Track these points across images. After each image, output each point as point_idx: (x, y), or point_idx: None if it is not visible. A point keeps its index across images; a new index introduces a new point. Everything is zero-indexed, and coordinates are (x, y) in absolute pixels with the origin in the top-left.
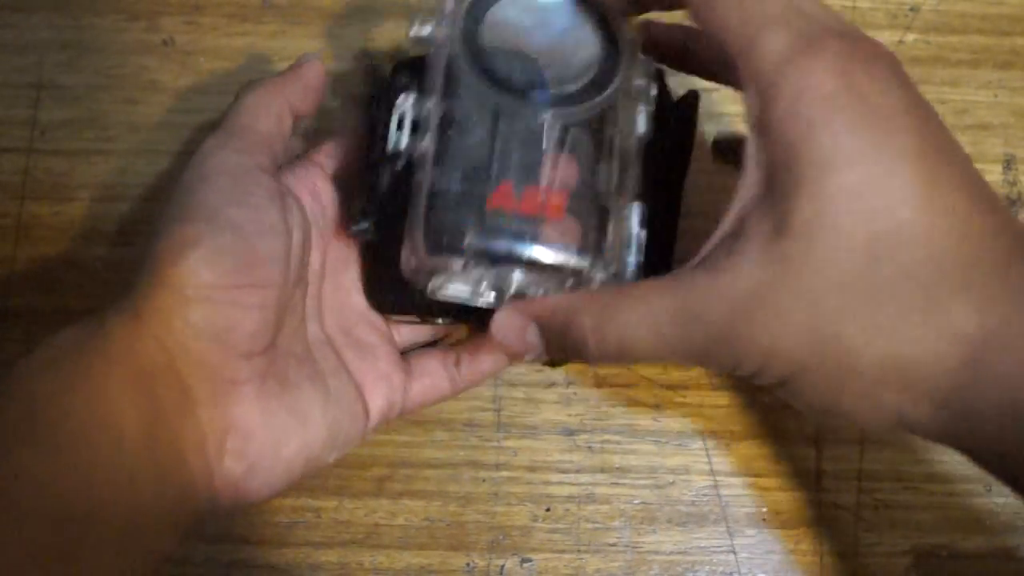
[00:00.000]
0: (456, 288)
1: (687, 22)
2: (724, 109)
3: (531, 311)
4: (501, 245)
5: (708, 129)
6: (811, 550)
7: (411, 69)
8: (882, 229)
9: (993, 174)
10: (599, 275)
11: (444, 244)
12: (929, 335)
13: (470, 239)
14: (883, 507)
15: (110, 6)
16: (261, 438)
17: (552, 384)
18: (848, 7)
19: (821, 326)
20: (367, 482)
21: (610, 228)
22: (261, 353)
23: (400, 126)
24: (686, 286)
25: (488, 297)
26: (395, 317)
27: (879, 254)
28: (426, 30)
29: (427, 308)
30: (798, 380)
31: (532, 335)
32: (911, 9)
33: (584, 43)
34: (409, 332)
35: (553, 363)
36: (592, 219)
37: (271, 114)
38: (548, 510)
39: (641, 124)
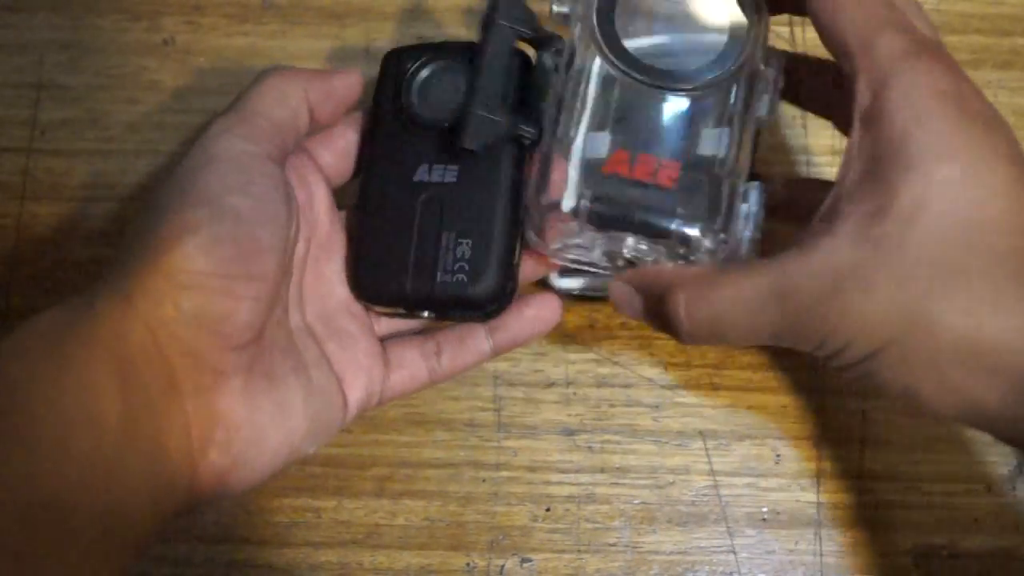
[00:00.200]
0: (574, 252)
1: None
2: None
3: (637, 280)
4: (610, 209)
5: None
6: (811, 550)
7: (405, 56)
8: (978, 218)
9: None
10: (708, 246)
11: (562, 206)
12: (1014, 320)
13: (585, 203)
14: (883, 507)
15: (111, 6)
16: (246, 431)
17: (552, 384)
18: None
19: (910, 303)
20: (367, 482)
21: (723, 202)
22: (249, 345)
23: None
24: (779, 266)
25: (605, 264)
26: (380, 309)
27: (973, 240)
28: (565, 7)
29: (415, 301)
30: (881, 357)
31: (637, 304)
32: None
33: (712, 21)
34: (389, 321)
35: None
36: (705, 191)
37: (288, 104)
38: (548, 510)
39: (762, 108)
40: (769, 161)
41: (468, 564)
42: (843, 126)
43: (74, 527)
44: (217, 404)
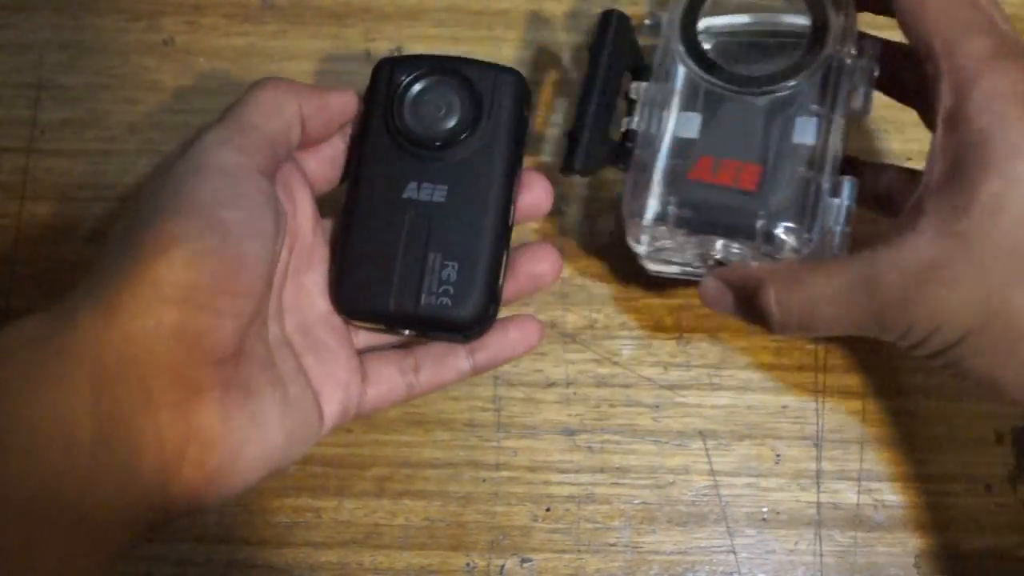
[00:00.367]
0: (668, 255)
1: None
2: None
3: (727, 277)
4: (696, 215)
5: None
6: (811, 550)
7: (399, 68)
8: None
9: None
10: (793, 245)
11: (650, 213)
12: None
13: (672, 208)
14: (883, 507)
15: (110, 6)
16: (221, 446)
17: (552, 384)
18: None
19: (991, 294)
20: (367, 482)
21: (809, 201)
22: (228, 360)
23: (630, 108)
24: (867, 259)
25: (698, 263)
26: (361, 325)
27: None
28: (655, 19)
29: (398, 320)
30: (964, 345)
31: (728, 300)
32: None
33: (795, 20)
34: (368, 334)
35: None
36: (789, 192)
37: (282, 117)
38: (548, 510)
39: (857, 100)
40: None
41: (468, 564)
42: (927, 119)
43: (43, 538)
44: (192, 419)
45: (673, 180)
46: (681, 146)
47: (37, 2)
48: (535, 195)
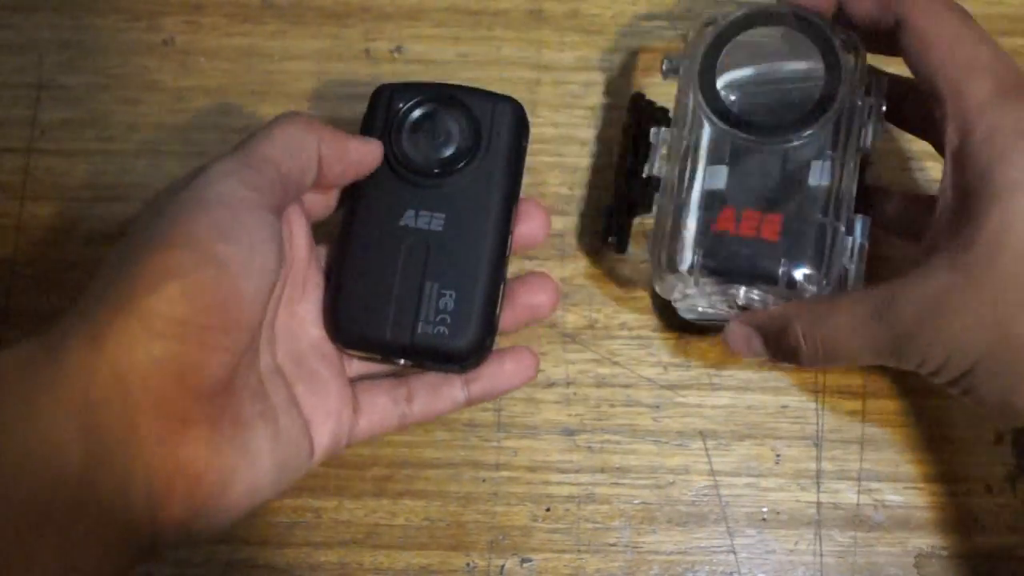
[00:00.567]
0: (693, 301)
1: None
2: None
3: (753, 321)
4: (721, 265)
5: None
6: (811, 550)
7: (398, 95)
8: None
9: None
10: (813, 290)
11: (678, 264)
12: None
13: (698, 260)
14: (883, 507)
15: (110, 6)
16: (209, 480)
17: (552, 384)
18: None
19: (998, 324)
20: (367, 482)
21: (826, 248)
22: (218, 394)
23: (648, 154)
24: (883, 293)
25: (722, 307)
26: (355, 354)
27: None
28: (675, 62)
29: (393, 349)
30: (976, 375)
31: (756, 343)
32: None
33: (809, 68)
34: (361, 362)
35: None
36: (809, 236)
37: (299, 156)
38: (548, 510)
39: (866, 138)
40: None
41: (468, 564)
42: (940, 150)
43: (26, 568)
44: (181, 452)
45: (699, 233)
46: (710, 199)
47: (37, 2)
48: (532, 225)
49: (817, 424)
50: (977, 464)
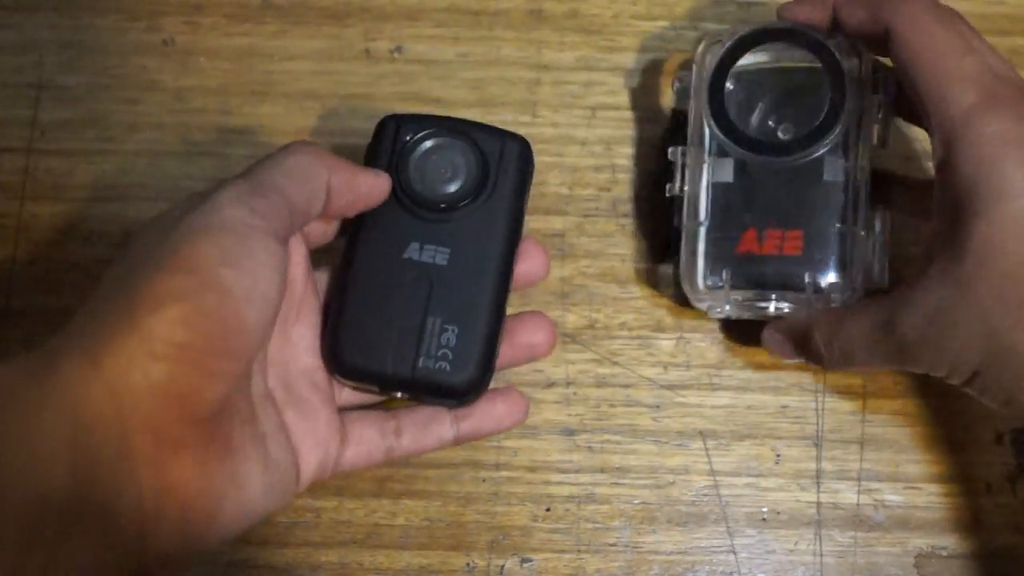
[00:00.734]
0: (726, 311)
1: None
2: None
3: (783, 328)
4: (748, 283)
5: None
6: (811, 550)
7: (405, 126)
8: None
9: None
10: (838, 296)
11: (707, 280)
12: None
13: (726, 278)
14: (883, 507)
15: (110, 6)
16: (199, 504)
17: (552, 384)
18: None
19: (991, 336)
20: (367, 482)
21: (848, 255)
22: (212, 419)
23: (672, 175)
24: (888, 302)
25: (753, 315)
26: (353, 384)
27: None
28: (686, 82)
29: (393, 383)
30: (978, 381)
31: (788, 347)
32: None
33: (817, 88)
34: (350, 392)
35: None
36: (830, 246)
37: (308, 185)
38: (548, 510)
39: (874, 134)
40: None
41: (468, 564)
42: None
43: None
44: (172, 476)
45: (722, 252)
46: (720, 197)
47: (37, 2)
48: (533, 264)
49: (817, 424)
50: (977, 464)
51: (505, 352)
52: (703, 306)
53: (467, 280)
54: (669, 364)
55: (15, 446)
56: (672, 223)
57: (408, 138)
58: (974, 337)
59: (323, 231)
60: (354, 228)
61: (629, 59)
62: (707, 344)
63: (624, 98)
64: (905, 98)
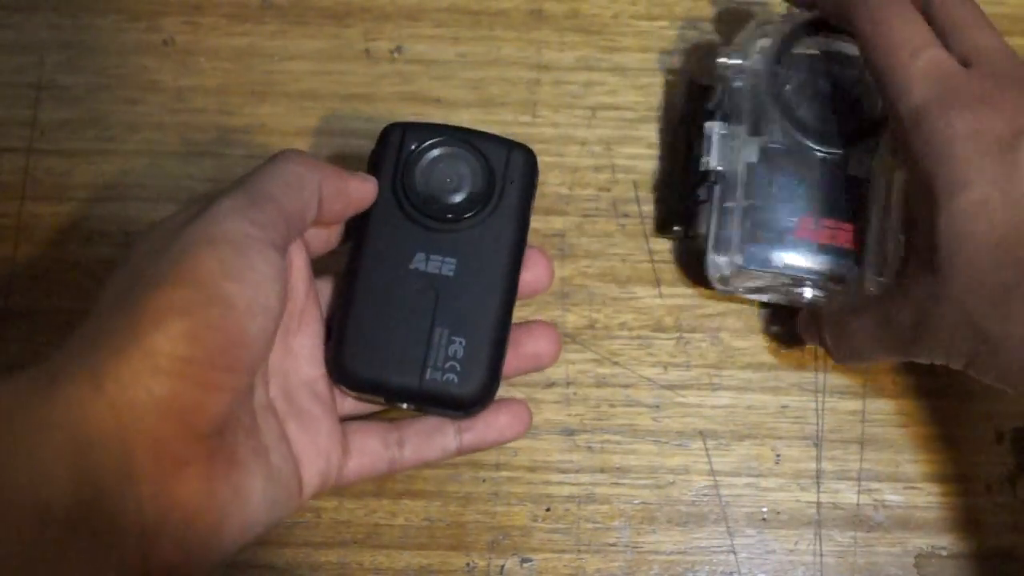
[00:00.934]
0: (759, 293)
1: None
2: None
3: (805, 318)
4: (798, 272)
5: None
6: (811, 550)
7: (410, 135)
8: (1012, 236)
9: None
10: (873, 290)
11: (758, 260)
12: None
13: (776, 262)
14: (883, 507)
15: (110, 6)
16: (202, 521)
17: (552, 384)
18: None
19: (976, 325)
20: (367, 482)
21: (888, 248)
22: (216, 433)
23: (708, 149)
24: (885, 298)
25: (787, 299)
26: (358, 395)
27: (1005, 259)
28: (734, 60)
29: (399, 394)
30: (976, 366)
31: (814, 337)
32: None
33: (867, 84)
34: (352, 402)
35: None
36: (878, 243)
37: (301, 193)
38: (548, 510)
39: None
40: None
41: (468, 564)
42: None
43: None
44: (175, 493)
45: (771, 235)
46: (765, 178)
47: (37, 2)
48: (537, 274)
49: (817, 424)
50: (977, 464)
51: (510, 362)
52: (725, 284)
53: (474, 291)
54: (669, 364)
55: (17, 463)
56: (696, 196)
57: (413, 147)
58: (959, 326)
59: (325, 239)
60: (358, 237)
61: (629, 59)
62: (707, 344)
63: (624, 98)
64: None
